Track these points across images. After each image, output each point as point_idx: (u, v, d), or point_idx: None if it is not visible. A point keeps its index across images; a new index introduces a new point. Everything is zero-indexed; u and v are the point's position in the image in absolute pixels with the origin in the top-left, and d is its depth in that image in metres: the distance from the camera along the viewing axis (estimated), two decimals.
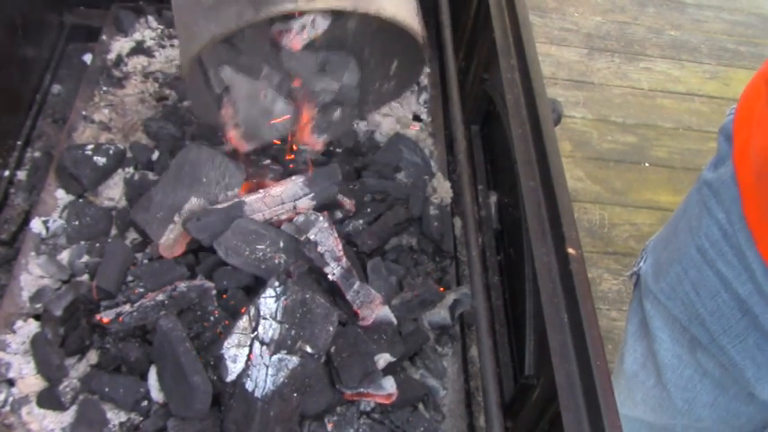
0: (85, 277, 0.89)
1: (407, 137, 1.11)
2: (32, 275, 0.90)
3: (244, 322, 0.78)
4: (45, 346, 0.82)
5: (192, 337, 0.79)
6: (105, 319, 0.80)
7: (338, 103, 1.00)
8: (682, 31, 2.72)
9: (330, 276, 0.84)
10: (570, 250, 0.74)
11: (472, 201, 0.95)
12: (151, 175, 1.00)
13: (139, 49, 1.20)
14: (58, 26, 1.26)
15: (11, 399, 0.80)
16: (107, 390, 0.79)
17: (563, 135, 2.26)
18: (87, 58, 1.23)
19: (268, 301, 0.78)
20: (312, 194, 0.93)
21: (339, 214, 0.96)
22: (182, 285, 0.82)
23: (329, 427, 0.78)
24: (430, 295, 0.89)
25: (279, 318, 0.78)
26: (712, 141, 0.87)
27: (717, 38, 2.71)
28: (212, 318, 0.82)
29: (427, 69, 1.27)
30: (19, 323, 0.85)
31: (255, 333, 0.77)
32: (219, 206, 0.88)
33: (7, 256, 0.98)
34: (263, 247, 0.86)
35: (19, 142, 1.11)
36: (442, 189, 1.03)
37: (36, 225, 0.94)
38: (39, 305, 0.87)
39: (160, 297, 0.81)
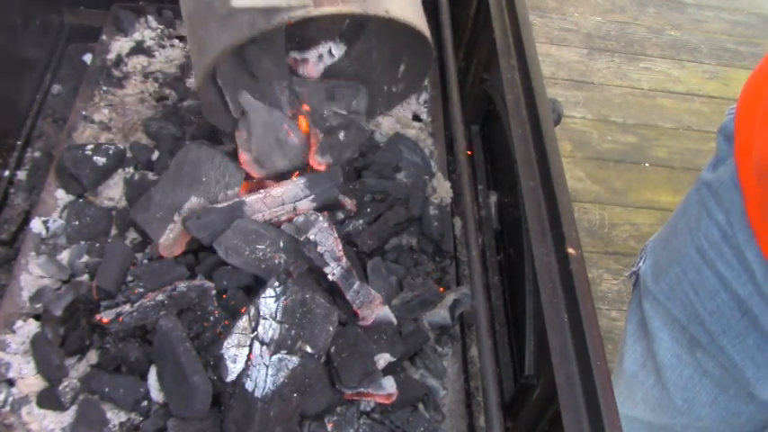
0: (85, 277, 0.89)
1: (407, 137, 1.11)
2: (32, 275, 0.90)
3: (244, 322, 0.78)
4: (45, 346, 0.82)
5: (192, 337, 0.79)
6: (105, 319, 0.80)
7: (345, 127, 1.02)
8: (682, 31, 2.72)
9: (330, 276, 0.84)
10: (570, 250, 0.74)
11: (472, 201, 0.95)
12: (151, 175, 1.00)
13: (139, 49, 1.20)
14: (58, 26, 1.26)
15: (11, 399, 0.80)
16: (107, 390, 0.79)
17: (563, 135, 2.26)
18: (87, 58, 1.23)
19: (268, 301, 0.78)
20: (313, 196, 0.93)
21: (340, 215, 0.96)
22: (182, 285, 0.82)
23: (329, 427, 0.78)
24: (430, 295, 0.89)
25: (279, 318, 0.78)
26: (712, 141, 0.87)
27: (717, 38, 2.71)
28: (212, 318, 0.82)
29: None
30: (19, 323, 0.85)
31: (255, 333, 0.77)
32: (220, 205, 0.88)
33: (7, 256, 0.98)
34: (263, 246, 0.86)
35: (19, 142, 1.11)
36: (441, 189, 1.03)
37: (36, 225, 0.94)
38: (39, 305, 0.87)
39: (160, 297, 0.81)
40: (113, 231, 0.96)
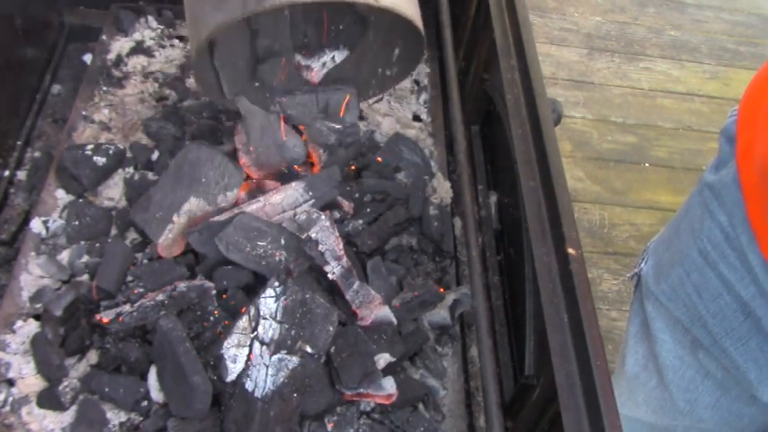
0: (85, 277, 0.89)
1: (407, 137, 1.11)
2: (32, 275, 0.90)
3: (244, 322, 0.78)
4: (45, 346, 0.82)
5: (192, 337, 0.79)
6: (105, 319, 0.80)
7: (344, 143, 1.05)
8: (682, 31, 2.72)
9: (330, 275, 0.84)
10: (570, 250, 0.74)
11: (472, 201, 0.95)
12: (151, 175, 1.00)
13: (139, 49, 1.20)
14: (58, 26, 1.26)
15: (11, 399, 0.80)
16: (107, 390, 0.79)
17: (563, 135, 2.26)
18: (87, 58, 1.23)
19: (268, 301, 0.78)
20: (312, 201, 0.93)
21: (336, 214, 0.96)
22: (181, 285, 0.82)
23: (329, 427, 0.78)
24: (430, 295, 0.89)
25: (279, 318, 0.78)
26: (712, 141, 0.87)
27: (717, 38, 2.71)
28: (212, 318, 0.82)
29: (427, 69, 1.27)
30: (19, 323, 0.85)
31: (255, 333, 0.77)
32: (220, 218, 0.88)
33: (7, 256, 0.98)
34: (264, 243, 0.86)
35: (19, 142, 1.11)
36: (441, 189, 1.03)
37: (36, 225, 0.94)
38: (39, 305, 0.87)
39: (160, 297, 0.81)
40: (113, 231, 0.96)
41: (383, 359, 0.80)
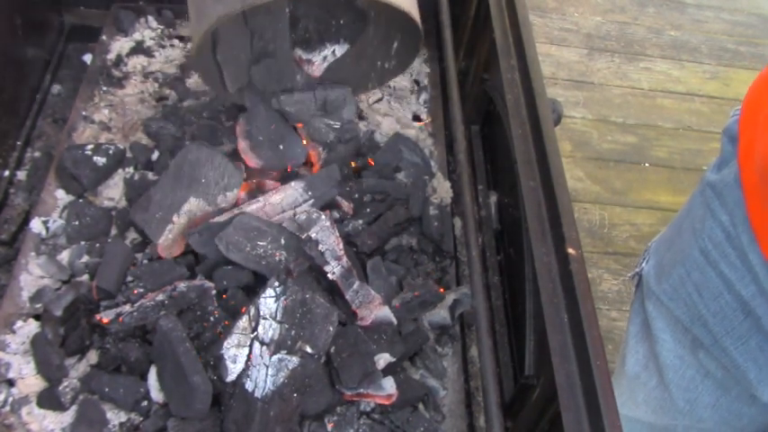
0: (85, 277, 0.89)
1: (407, 137, 1.11)
2: (32, 275, 0.90)
3: (244, 322, 0.78)
4: (45, 346, 0.82)
5: (192, 337, 0.79)
6: (105, 319, 0.80)
7: (342, 140, 1.06)
8: (682, 31, 2.72)
9: (330, 275, 0.84)
10: (570, 250, 0.74)
11: (472, 201, 0.95)
12: (151, 175, 1.00)
13: (139, 49, 1.20)
14: (58, 26, 1.26)
15: (11, 399, 0.80)
16: (107, 390, 0.79)
17: (563, 135, 2.26)
18: (87, 58, 1.23)
19: (268, 301, 0.78)
20: (312, 200, 0.93)
21: (336, 214, 0.96)
22: (181, 285, 0.82)
23: (329, 427, 0.78)
24: (430, 295, 0.89)
25: (279, 318, 0.78)
26: (713, 141, 0.87)
27: (717, 38, 2.71)
28: (212, 318, 0.82)
29: (427, 69, 1.27)
30: (19, 323, 0.85)
31: (255, 333, 0.77)
32: (220, 219, 0.88)
33: (7, 256, 0.98)
34: (264, 243, 0.86)
35: (19, 142, 1.11)
36: (441, 189, 1.02)
37: (36, 225, 0.94)
38: (39, 305, 0.87)
39: (160, 297, 0.81)
40: (113, 231, 0.96)
41: (383, 359, 0.80)
